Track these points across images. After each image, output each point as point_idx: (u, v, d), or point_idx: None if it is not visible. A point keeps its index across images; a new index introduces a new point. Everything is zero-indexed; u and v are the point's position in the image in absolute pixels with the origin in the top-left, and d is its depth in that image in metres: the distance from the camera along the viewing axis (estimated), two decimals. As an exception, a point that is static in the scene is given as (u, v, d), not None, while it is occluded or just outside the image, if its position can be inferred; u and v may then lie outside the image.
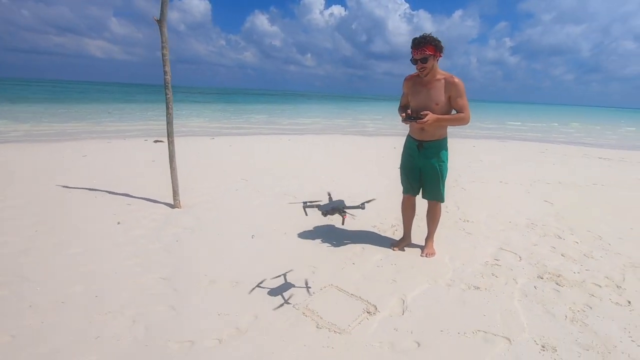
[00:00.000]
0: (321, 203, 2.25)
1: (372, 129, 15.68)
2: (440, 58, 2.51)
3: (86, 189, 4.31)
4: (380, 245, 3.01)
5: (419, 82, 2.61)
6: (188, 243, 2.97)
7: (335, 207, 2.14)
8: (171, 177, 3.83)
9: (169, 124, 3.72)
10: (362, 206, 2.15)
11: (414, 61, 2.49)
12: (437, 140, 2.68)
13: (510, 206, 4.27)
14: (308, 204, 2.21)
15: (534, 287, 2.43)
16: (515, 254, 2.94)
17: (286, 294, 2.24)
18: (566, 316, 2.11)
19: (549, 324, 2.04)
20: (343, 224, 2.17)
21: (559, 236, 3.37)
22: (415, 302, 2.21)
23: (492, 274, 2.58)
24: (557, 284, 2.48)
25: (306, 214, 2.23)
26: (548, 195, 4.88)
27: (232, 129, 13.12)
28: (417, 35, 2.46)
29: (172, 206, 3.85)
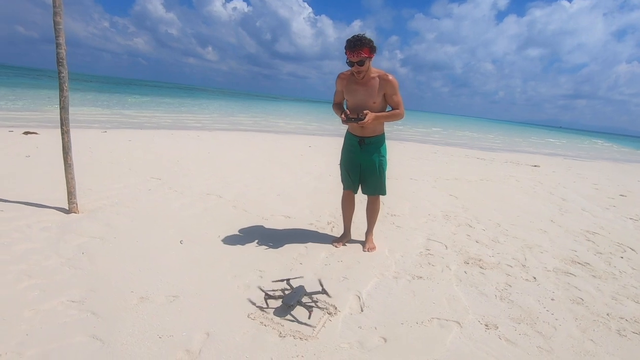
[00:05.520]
0: (276, 293, 2.05)
1: (288, 128, 15.63)
2: (373, 58, 2.52)
3: None
4: (322, 243, 2.96)
5: (354, 80, 2.59)
6: (99, 255, 2.45)
7: (300, 300, 1.98)
8: (65, 175, 3.12)
9: (63, 109, 3.01)
10: (324, 292, 2.07)
11: (351, 63, 2.45)
12: (377, 135, 2.74)
13: (425, 200, 4.69)
14: (270, 294, 2.01)
15: (464, 272, 2.68)
16: (442, 243, 3.22)
17: (238, 304, 2.01)
18: (495, 295, 2.38)
19: (485, 303, 2.26)
20: (310, 318, 1.93)
21: (469, 225, 3.82)
22: (371, 297, 2.22)
23: (429, 263, 2.77)
24: (480, 267, 2.79)
25: (267, 305, 2.01)
26: (451, 189, 5.52)
27: (126, 122, 11.53)
28: (351, 37, 2.41)
29: (66, 211, 3.15)
